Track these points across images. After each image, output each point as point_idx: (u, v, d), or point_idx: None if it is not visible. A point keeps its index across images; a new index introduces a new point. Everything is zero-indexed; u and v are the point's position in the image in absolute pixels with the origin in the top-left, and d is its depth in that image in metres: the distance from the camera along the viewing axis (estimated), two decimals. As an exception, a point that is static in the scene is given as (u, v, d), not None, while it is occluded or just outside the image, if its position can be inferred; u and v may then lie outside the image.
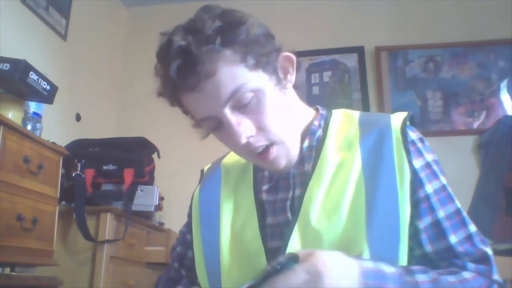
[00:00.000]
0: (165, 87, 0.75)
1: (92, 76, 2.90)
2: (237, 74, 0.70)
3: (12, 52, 1.72)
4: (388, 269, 0.65)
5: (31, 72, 1.54)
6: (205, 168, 0.98)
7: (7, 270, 1.57)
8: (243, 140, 0.72)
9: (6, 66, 1.49)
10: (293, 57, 0.79)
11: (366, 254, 0.69)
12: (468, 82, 2.82)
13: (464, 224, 0.75)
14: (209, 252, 0.83)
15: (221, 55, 0.69)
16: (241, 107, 0.72)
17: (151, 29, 3.29)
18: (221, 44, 0.69)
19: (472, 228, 0.75)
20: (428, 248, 0.74)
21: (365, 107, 2.86)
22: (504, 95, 2.76)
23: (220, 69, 0.69)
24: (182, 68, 0.69)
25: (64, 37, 2.56)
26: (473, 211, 2.37)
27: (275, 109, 0.74)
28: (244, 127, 0.72)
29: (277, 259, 0.60)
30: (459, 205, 0.76)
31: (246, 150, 0.75)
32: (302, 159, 0.81)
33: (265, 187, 0.84)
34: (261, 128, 0.73)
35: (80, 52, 2.73)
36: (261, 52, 0.72)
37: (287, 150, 0.77)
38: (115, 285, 1.95)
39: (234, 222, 0.83)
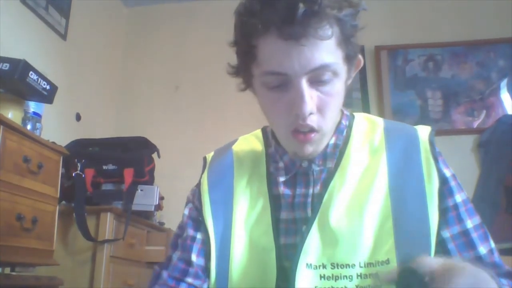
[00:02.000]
0: (257, 21, 0.68)
1: (92, 76, 2.90)
2: (334, 53, 0.69)
3: (12, 52, 1.72)
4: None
5: (30, 72, 1.54)
6: (208, 156, 0.93)
7: (7, 270, 1.57)
8: (307, 113, 0.69)
9: (6, 66, 1.49)
10: (362, 62, 0.80)
11: (394, 260, 0.69)
12: (468, 81, 2.82)
13: (487, 237, 0.75)
14: (220, 242, 0.80)
15: (335, 28, 0.68)
16: (315, 82, 0.70)
17: (151, 29, 3.32)
18: (340, 18, 0.68)
19: (492, 243, 0.75)
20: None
21: (365, 106, 2.86)
22: (504, 94, 2.76)
23: (330, 39, 0.67)
24: (304, 16, 0.65)
25: (64, 37, 2.56)
26: (473, 210, 2.36)
27: (338, 99, 0.74)
28: (312, 101, 0.70)
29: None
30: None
31: (292, 123, 0.72)
32: (324, 156, 0.79)
33: (282, 179, 0.81)
34: (321, 111, 0.72)
35: (80, 52, 2.73)
36: (355, 46, 0.74)
37: (321, 141, 0.76)
38: (115, 285, 1.95)
39: (248, 214, 0.80)
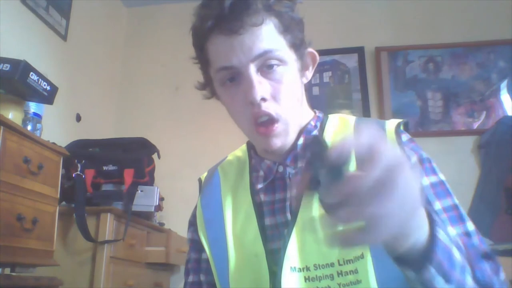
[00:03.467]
0: (200, 26, 0.75)
1: (92, 76, 2.90)
2: (276, 39, 0.74)
3: (12, 53, 1.72)
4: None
5: (31, 73, 1.54)
6: (202, 177, 0.98)
7: (7, 270, 1.57)
8: (258, 98, 0.72)
9: (6, 67, 1.49)
10: (317, 56, 0.83)
11: (368, 254, 0.69)
12: (468, 83, 2.82)
13: (462, 219, 0.73)
14: (217, 254, 0.83)
15: (271, 18, 0.73)
16: (264, 70, 0.74)
17: (151, 29, 3.32)
18: (273, 9, 0.73)
19: (471, 226, 0.73)
20: None
21: (365, 107, 2.86)
22: (504, 96, 2.76)
23: (266, 25, 0.72)
24: (233, 8, 0.71)
25: (64, 37, 2.56)
26: (473, 211, 2.37)
27: (292, 87, 0.76)
28: (262, 87, 0.73)
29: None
30: (457, 201, 0.75)
31: (250, 115, 0.75)
32: (295, 157, 0.81)
33: (260, 186, 0.84)
34: (275, 98, 0.74)
35: (80, 52, 2.73)
36: (298, 35, 0.77)
37: (287, 132, 0.77)
38: (115, 286, 1.95)
39: (234, 224, 0.83)
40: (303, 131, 0.83)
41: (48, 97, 1.67)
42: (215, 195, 0.89)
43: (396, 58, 2.93)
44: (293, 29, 0.76)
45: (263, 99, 0.73)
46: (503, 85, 2.77)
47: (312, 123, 0.85)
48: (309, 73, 0.83)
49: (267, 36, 0.72)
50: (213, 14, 0.72)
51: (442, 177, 0.77)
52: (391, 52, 2.94)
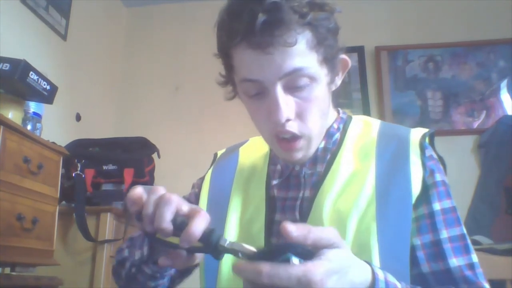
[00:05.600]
0: (227, 38, 0.71)
1: (92, 76, 2.89)
2: (307, 56, 0.69)
3: (12, 52, 1.72)
4: (399, 284, 0.61)
5: (31, 72, 1.54)
6: (219, 153, 0.97)
7: (7, 270, 1.57)
8: (283, 119, 0.70)
9: (6, 66, 1.49)
10: (349, 62, 0.80)
11: (373, 259, 0.68)
12: (468, 82, 2.82)
13: (467, 251, 0.72)
14: None
15: (305, 33, 0.68)
16: (292, 88, 0.71)
17: (151, 29, 3.32)
18: (309, 23, 0.68)
19: (475, 258, 0.72)
20: (425, 267, 0.71)
21: (365, 107, 2.85)
22: (504, 95, 2.76)
23: (298, 44, 0.67)
24: (265, 24, 0.65)
25: (64, 37, 2.56)
26: (473, 211, 2.37)
27: (319, 105, 0.74)
28: (288, 107, 0.70)
29: (283, 244, 0.52)
30: (464, 230, 0.74)
31: (273, 130, 0.73)
32: (315, 159, 0.80)
33: (274, 182, 0.83)
34: (300, 116, 0.72)
35: (80, 52, 2.73)
36: (332, 48, 0.73)
37: (309, 146, 0.76)
38: (115, 285, 1.94)
39: (242, 214, 0.81)
40: (325, 134, 0.81)
41: (48, 97, 1.67)
42: (227, 178, 0.87)
43: (396, 57, 2.93)
44: (327, 41, 0.72)
45: (288, 120, 0.71)
46: (503, 84, 2.77)
47: (335, 125, 0.83)
48: (339, 80, 0.80)
49: (298, 54, 0.68)
50: (243, 28, 0.67)
51: (454, 202, 0.76)
52: (391, 52, 2.94)
